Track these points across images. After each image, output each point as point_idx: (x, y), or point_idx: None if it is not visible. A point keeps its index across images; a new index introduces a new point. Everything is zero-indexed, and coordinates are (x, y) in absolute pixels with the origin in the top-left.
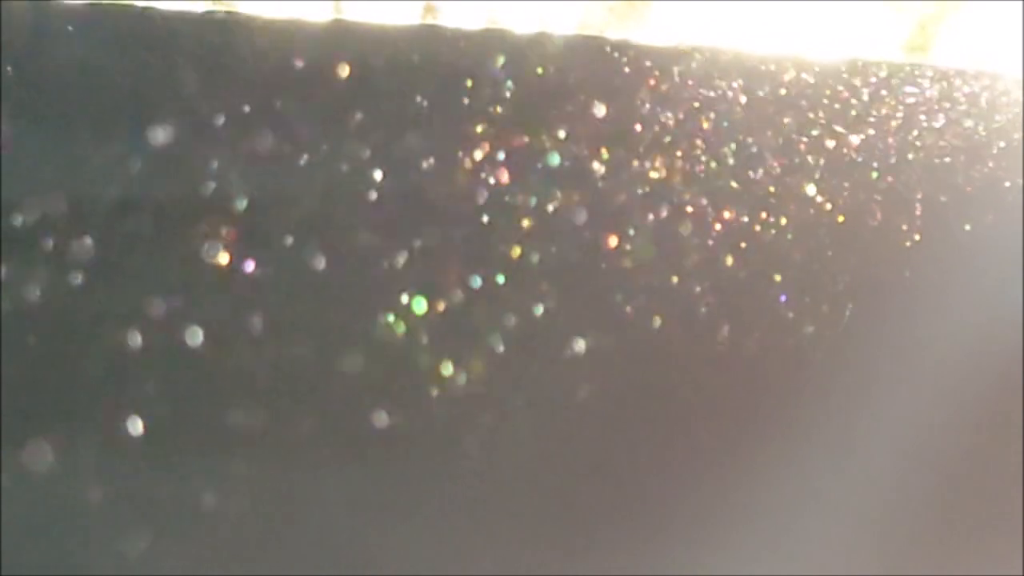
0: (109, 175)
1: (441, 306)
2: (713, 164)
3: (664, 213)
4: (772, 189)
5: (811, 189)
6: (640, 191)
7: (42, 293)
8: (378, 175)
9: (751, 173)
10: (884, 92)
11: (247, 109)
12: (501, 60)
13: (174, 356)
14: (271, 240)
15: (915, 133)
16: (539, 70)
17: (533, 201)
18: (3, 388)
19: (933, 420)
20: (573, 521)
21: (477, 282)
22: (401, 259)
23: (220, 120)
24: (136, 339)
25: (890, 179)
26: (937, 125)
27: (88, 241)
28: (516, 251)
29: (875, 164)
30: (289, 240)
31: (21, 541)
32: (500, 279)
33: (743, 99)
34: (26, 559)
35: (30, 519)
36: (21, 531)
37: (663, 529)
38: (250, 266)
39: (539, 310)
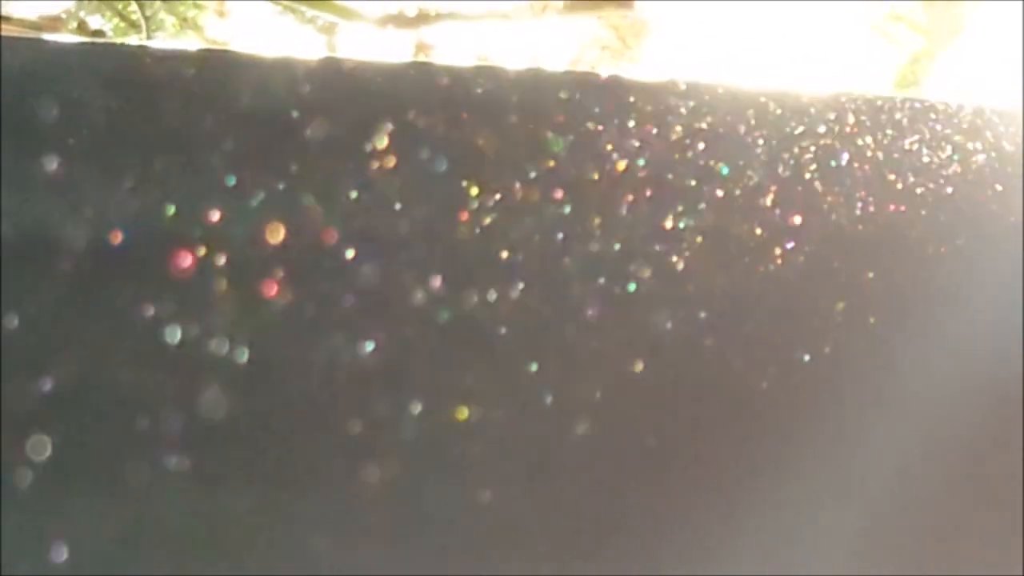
0: (101, 211)
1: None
2: (705, 195)
3: (657, 244)
4: (760, 226)
5: (800, 221)
6: (632, 222)
7: (36, 323)
8: (371, 211)
9: (744, 205)
10: (879, 126)
11: (240, 146)
12: (495, 97)
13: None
14: (263, 276)
15: (912, 167)
16: (529, 106)
17: (522, 231)
18: (3, 389)
19: (932, 428)
20: (568, 531)
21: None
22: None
23: (214, 157)
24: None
25: (885, 213)
26: (932, 159)
27: (81, 275)
28: (500, 287)
29: (869, 198)
30: (280, 276)
31: (21, 541)
32: (495, 307)
33: (735, 133)
34: (26, 559)
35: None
36: (21, 531)
37: (665, 537)
38: (236, 300)
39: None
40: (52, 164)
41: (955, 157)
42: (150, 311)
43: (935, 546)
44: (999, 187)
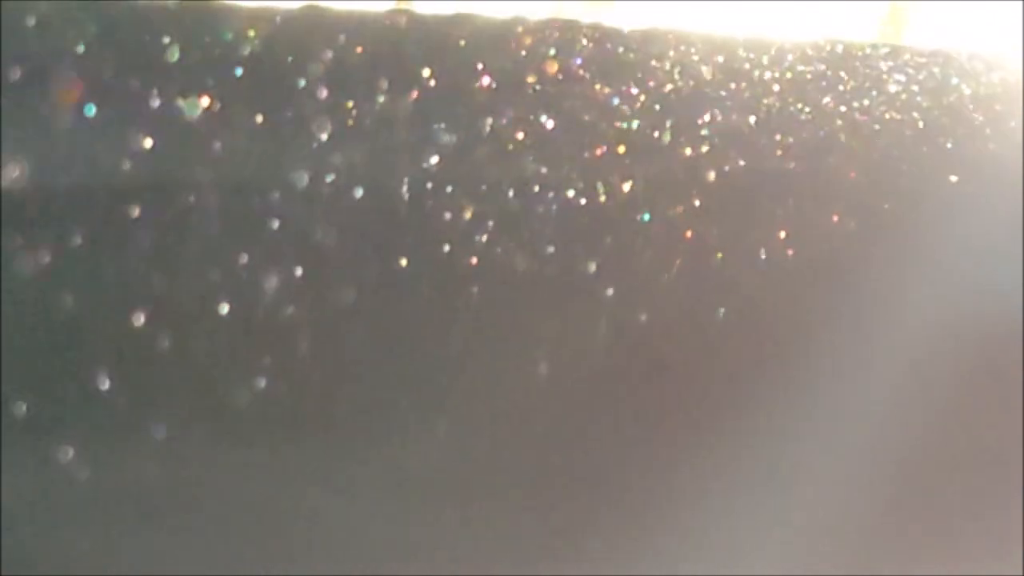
0: (91, 162)
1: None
2: (685, 143)
3: (637, 209)
4: (743, 170)
5: (785, 166)
6: (607, 167)
7: (36, 280)
8: (354, 162)
9: (724, 154)
10: (861, 74)
11: (224, 94)
12: (472, 45)
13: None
14: (250, 226)
15: (894, 115)
16: (511, 54)
17: (499, 180)
18: (3, 381)
19: (927, 410)
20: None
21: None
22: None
23: (198, 107)
24: (136, 326)
25: (870, 160)
26: (914, 106)
27: (75, 227)
28: (490, 235)
29: (854, 146)
30: (272, 225)
31: (21, 541)
32: (480, 253)
33: (716, 81)
34: (26, 559)
35: (30, 518)
36: (21, 531)
37: (636, 523)
38: (230, 254)
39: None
40: (42, 115)
41: (941, 101)
42: (132, 257)
43: (934, 541)
44: (987, 131)
